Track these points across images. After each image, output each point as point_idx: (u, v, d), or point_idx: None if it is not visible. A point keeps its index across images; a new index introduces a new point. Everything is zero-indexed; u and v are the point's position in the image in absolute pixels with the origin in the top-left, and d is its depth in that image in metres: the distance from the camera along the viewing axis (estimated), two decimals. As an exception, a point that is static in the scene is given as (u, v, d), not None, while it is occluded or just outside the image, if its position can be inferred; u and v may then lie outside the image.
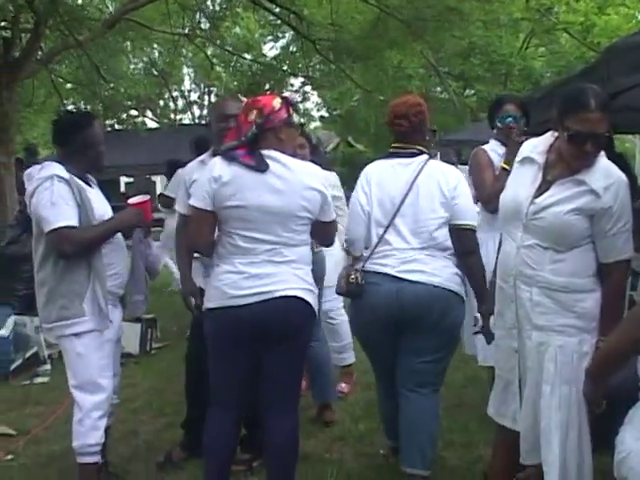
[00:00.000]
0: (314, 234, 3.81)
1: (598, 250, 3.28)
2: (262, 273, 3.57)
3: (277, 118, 3.64)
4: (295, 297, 3.62)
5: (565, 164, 3.28)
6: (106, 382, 4.16)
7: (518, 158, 3.49)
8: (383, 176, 4.24)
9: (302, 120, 4.26)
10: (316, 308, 3.78)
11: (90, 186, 4.30)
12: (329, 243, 4.09)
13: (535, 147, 3.44)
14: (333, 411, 5.58)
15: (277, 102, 3.66)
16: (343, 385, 6.24)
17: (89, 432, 4.10)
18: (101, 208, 4.27)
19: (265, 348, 3.65)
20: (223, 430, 3.77)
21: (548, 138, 3.43)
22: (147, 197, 4.41)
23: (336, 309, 6.17)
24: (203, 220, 3.66)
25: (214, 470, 3.82)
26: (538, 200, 3.29)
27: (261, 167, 3.55)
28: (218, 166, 3.60)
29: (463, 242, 4.18)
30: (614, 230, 3.22)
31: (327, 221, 3.79)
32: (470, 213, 4.23)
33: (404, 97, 4.47)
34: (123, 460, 4.86)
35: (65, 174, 4.06)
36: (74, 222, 4.01)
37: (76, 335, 4.06)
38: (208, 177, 3.60)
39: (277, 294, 3.57)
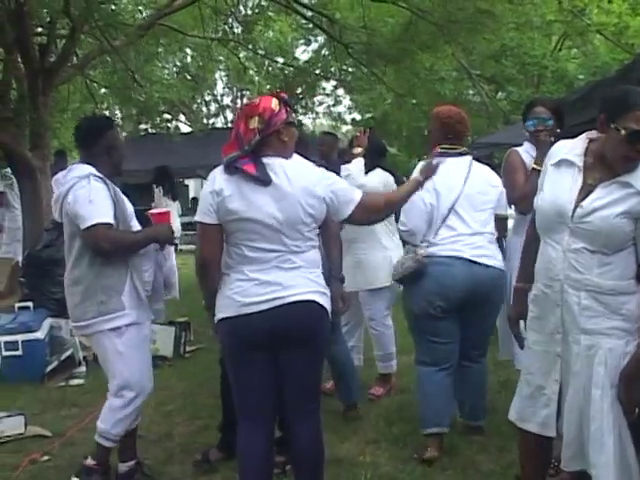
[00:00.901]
0: (325, 240, 3.82)
1: None
2: (273, 280, 3.52)
3: (278, 120, 3.58)
4: (308, 301, 3.58)
5: (606, 166, 3.26)
6: (146, 380, 4.26)
7: (553, 160, 3.43)
8: (440, 172, 4.38)
9: (298, 118, 4.25)
10: (329, 310, 3.72)
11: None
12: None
13: (571, 149, 3.39)
14: (358, 410, 5.66)
15: (275, 103, 3.58)
16: (377, 388, 6.25)
17: (119, 424, 4.22)
18: (129, 208, 4.38)
19: (282, 354, 3.62)
20: (254, 443, 3.69)
21: (583, 140, 3.40)
22: (168, 209, 4.51)
23: (381, 317, 6.18)
24: (210, 234, 3.61)
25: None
26: (585, 203, 3.25)
27: (265, 179, 3.49)
28: (218, 179, 3.56)
29: (501, 229, 5.14)
30: None
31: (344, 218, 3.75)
32: (505, 204, 5.03)
33: (453, 108, 5.14)
34: (158, 463, 4.90)
35: (99, 173, 4.15)
36: (110, 219, 4.08)
37: (116, 331, 4.12)
38: (210, 190, 3.55)
39: (290, 299, 3.52)
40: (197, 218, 3.62)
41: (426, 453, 4.76)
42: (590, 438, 3.25)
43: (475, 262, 4.71)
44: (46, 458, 4.98)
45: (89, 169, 4.17)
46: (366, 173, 6.12)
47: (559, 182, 3.38)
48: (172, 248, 4.89)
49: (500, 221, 5.09)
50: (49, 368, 7.00)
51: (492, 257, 4.80)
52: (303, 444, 3.74)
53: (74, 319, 4.28)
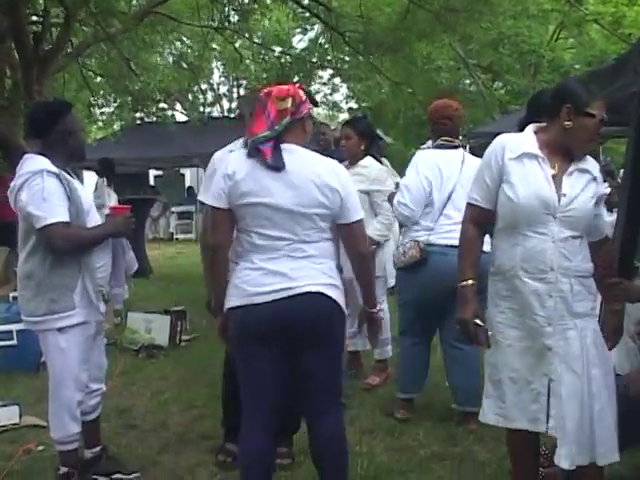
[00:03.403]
0: (342, 240, 3.64)
1: (593, 230, 3.57)
2: (282, 269, 3.42)
3: (304, 108, 3.56)
4: (317, 293, 3.46)
5: (562, 155, 3.43)
6: (84, 376, 4.20)
7: (512, 155, 3.42)
8: (437, 162, 5.15)
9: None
10: (343, 303, 3.60)
11: (72, 177, 4.22)
12: (362, 251, 3.73)
13: (525, 142, 3.46)
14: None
15: (302, 92, 3.57)
16: (373, 377, 6.24)
17: (69, 424, 4.16)
18: (86, 201, 4.24)
19: (296, 348, 3.50)
20: (256, 440, 3.56)
21: (531, 133, 3.51)
22: (128, 206, 4.48)
23: (380, 302, 6.15)
24: (219, 218, 3.52)
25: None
26: (566, 192, 3.37)
27: (277, 165, 3.42)
28: (232, 162, 3.50)
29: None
30: (602, 211, 3.66)
31: (350, 222, 3.59)
32: None
33: (447, 100, 5.47)
34: (153, 452, 4.89)
35: (53, 168, 4.00)
36: (66, 218, 3.97)
37: (60, 330, 4.05)
38: (222, 174, 3.48)
39: (299, 290, 3.41)
40: (208, 202, 3.56)
41: (397, 414, 5.35)
42: (595, 418, 3.34)
43: None
44: (41, 448, 4.95)
45: (43, 163, 4.00)
46: (357, 162, 6.08)
47: (530, 175, 3.40)
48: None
49: None
50: (44, 358, 6.96)
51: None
52: (325, 441, 3.61)
53: (25, 313, 4.17)
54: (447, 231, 4.95)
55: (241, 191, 3.42)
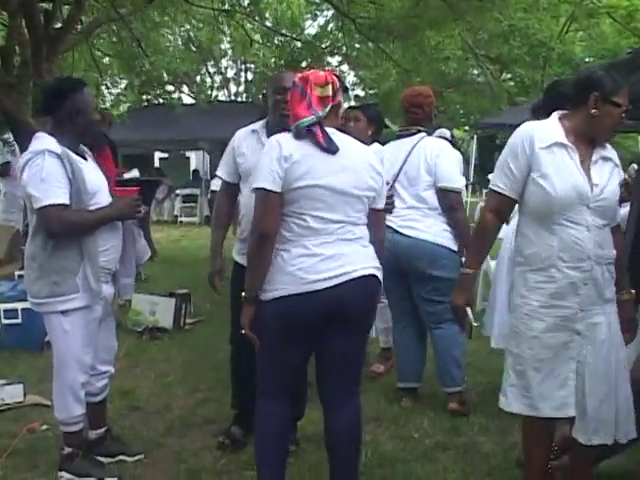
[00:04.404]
0: (370, 226, 3.64)
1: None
2: (337, 254, 3.41)
3: (340, 95, 3.58)
4: (371, 275, 3.52)
5: (587, 143, 3.47)
6: (88, 358, 4.18)
7: (542, 144, 3.42)
8: (389, 154, 5.37)
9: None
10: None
11: (85, 158, 4.18)
12: (382, 238, 3.81)
13: (554, 131, 3.46)
14: None
15: (337, 80, 3.56)
16: (378, 365, 6.24)
17: (73, 405, 4.16)
18: (95, 182, 4.13)
19: (337, 334, 3.50)
20: (278, 422, 3.60)
21: (557, 121, 3.51)
22: (135, 189, 4.37)
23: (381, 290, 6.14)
24: (273, 203, 3.40)
25: (272, 464, 3.63)
26: (597, 182, 3.41)
27: (332, 148, 3.43)
28: (286, 144, 3.42)
29: (445, 201, 5.19)
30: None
31: (380, 209, 3.69)
32: (449, 176, 5.19)
33: (417, 88, 5.69)
34: (157, 434, 4.89)
35: (57, 148, 3.94)
36: (64, 200, 3.91)
37: (64, 313, 4.04)
38: (277, 156, 3.38)
39: (355, 274, 3.43)
40: (258, 184, 3.41)
41: (401, 402, 5.43)
42: (619, 398, 3.50)
43: (398, 232, 5.16)
44: (45, 427, 4.95)
45: (47, 143, 3.95)
46: None
47: (562, 165, 3.41)
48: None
49: (444, 193, 5.18)
50: (48, 337, 6.96)
51: (417, 229, 5.17)
52: (342, 427, 3.64)
53: (30, 294, 4.17)
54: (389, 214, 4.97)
55: (299, 173, 3.38)
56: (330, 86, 3.50)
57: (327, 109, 3.49)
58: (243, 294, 3.52)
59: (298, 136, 3.45)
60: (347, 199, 3.45)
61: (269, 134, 4.07)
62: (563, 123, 3.48)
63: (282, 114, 4.14)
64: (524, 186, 3.47)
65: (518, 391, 3.56)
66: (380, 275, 3.60)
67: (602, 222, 3.45)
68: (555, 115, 3.54)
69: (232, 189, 4.63)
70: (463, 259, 4.98)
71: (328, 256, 3.40)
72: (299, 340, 3.50)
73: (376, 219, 3.69)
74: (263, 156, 3.48)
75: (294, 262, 3.40)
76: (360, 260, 3.49)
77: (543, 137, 3.43)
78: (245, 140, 4.52)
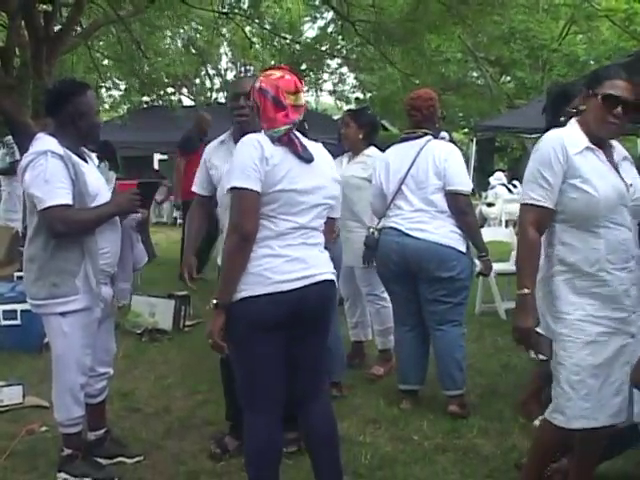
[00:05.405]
0: (324, 232, 3.71)
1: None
2: (301, 257, 3.44)
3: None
4: (329, 280, 3.59)
5: (605, 146, 3.45)
6: (88, 360, 4.18)
7: (575, 149, 3.35)
8: (394, 157, 5.41)
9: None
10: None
11: (85, 160, 4.19)
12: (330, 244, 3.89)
13: (579, 136, 3.41)
14: (340, 387, 5.60)
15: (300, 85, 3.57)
16: (377, 368, 6.23)
17: (72, 407, 4.16)
18: (95, 184, 4.15)
19: (296, 335, 3.52)
20: (267, 432, 3.55)
21: (576, 126, 3.47)
22: (134, 182, 4.36)
23: (379, 292, 6.13)
24: (254, 203, 3.35)
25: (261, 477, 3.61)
26: (631, 182, 3.44)
27: (307, 157, 3.47)
28: (267, 145, 3.39)
29: (455, 204, 5.18)
30: None
31: (334, 217, 3.85)
32: (459, 179, 5.19)
33: (418, 91, 5.67)
34: (157, 436, 4.89)
35: (59, 149, 3.95)
36: (67, 200, 3.92)
37: (63, 314, 4.03)
38: (259, 156, 3.33)
39: (318, 278, 3.50)
40: (238, 184, 3.35)
41: (401, 404, 5.42)
42: None
43: (407, 234, 5.20)
44: (44, 429, 4.95)
45: (49, 144, 3.96)
46: (360, 151, 6.25)
47: (598, 168, 3.38)
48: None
49: (454, 196, 5.18)
50: (47, 339, 6.95)
51: (425, 231, 5.15)
52: (317, 422, 3.70)
53: (29, 296, 4.17)
54: (395, 215, 5.32)
55: (279, 177, 3.37)
56: (301, 94, 3.52)
57: (300, 116, 3.51)
58: (214, 301, 3.42)
59: (275, 142, 3.44)
60: (315, 205, 3.50)
61: (236, 142, 3.93)
62: (581, 127, 3.44)
63: (238, 120, 4.24)
64: (558, 195, 3.38)
65: (577, 405, 3.39)
66: (335, 279, 3.69)
67: (637, 220, 3.52)
68: (573, 121, 3.49)
69: (206, 203, 4.66)
70: (477, 261, 5.41)
71: (293, 258, 3.42)
72: (269, 341, 3.44)
73: (329, 227, 3.83)
74: (240, 154, 3.41)
75: (260, 262, 3.38)
76: (321, 264, 3.56)
77: (573, 142, 3.37)
78: (215, 152, 4.57)
